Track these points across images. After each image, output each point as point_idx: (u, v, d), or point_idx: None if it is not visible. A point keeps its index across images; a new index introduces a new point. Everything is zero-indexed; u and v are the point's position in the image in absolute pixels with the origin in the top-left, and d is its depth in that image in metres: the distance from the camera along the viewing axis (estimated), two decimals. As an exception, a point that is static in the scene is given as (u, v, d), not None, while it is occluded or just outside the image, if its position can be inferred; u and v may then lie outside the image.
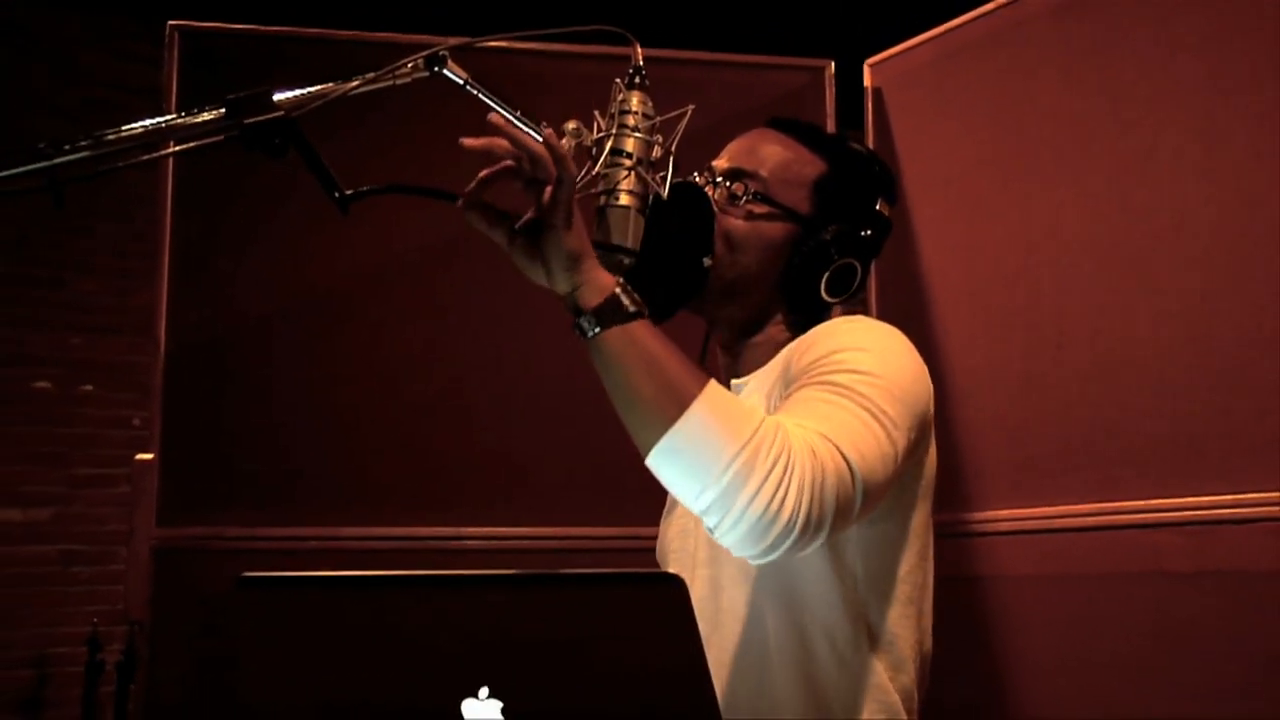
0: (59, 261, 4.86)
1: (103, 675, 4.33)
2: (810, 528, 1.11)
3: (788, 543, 1.11)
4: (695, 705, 0.90)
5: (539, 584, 0.99)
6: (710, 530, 1.15)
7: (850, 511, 1.17)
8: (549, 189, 1.17)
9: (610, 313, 1.16)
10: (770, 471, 1.10)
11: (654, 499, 1.73)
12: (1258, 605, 1.89)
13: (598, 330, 1.16)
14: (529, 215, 1.20)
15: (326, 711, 1.06)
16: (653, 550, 1.69)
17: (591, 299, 1.17)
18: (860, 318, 1.42)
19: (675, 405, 1.13)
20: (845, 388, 1.23)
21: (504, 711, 0.95)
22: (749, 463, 1.10)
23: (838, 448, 1.15)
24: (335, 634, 1.03)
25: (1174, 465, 2.01)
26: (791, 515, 1.10)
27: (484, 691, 0.95)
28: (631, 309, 1.17)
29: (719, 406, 1.14)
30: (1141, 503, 2.04)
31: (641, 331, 1.17)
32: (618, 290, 1.17)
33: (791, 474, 1.10)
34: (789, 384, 1.32)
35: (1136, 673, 2.04)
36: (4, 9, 4.77)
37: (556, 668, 0.96)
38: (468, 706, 0.96)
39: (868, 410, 1.21)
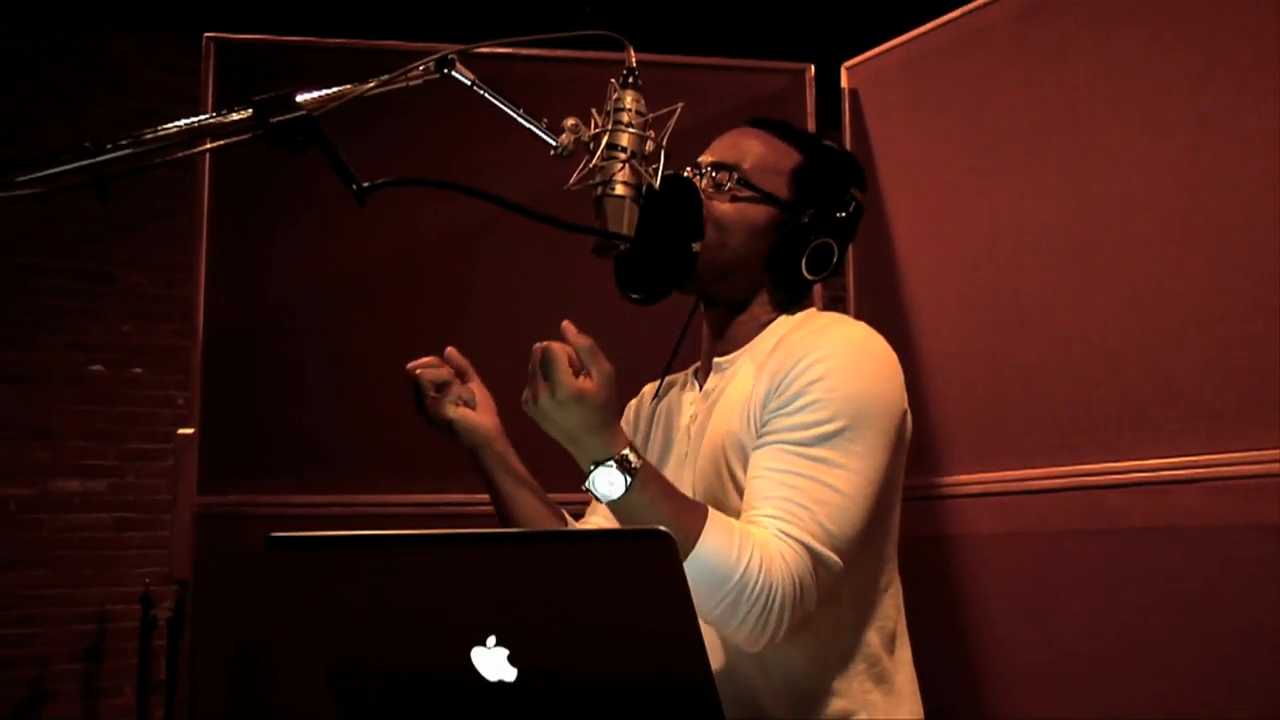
0: (112, 257, 4.89)
1: (156, 630, 4.35)
2: (795, 621, 1.22)
3: (776, 640, 1.22)
4: (684, 649, 0.90)
5: (542, 542, 0.98)
6: None
7: (830, 579, 1.25)
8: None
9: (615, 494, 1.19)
10: (752, 607, 1.19)
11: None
12: (1198, 557, 1.90)
13: (614, 499, 1.20)
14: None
15: (349, 657, 1.05)
16: None
17: (599, 481, 1.20)
18: (839, 329, 1.40)
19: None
20: (814, 449, 1.27)
21: (509, 659, 0.95)
22: (734, 603, 1.19)
23: (807, 550, 1.22)
24: (356, 588, 1.03)
25: (1123, 431, 2.01)
26: (775, 629, 1.21)
27: (491, 640, 0.95)
28: (634, 473, 1.19)
29: (712, 552, 1.18)
30: (1094, 466, 2.04)
31: (645, 493, 1.20)
32: (619, 463, 1.19)
33: (772, 605, 1.19)
34: (770, 389, 1.33)
35: (1090, 619, 2.04)
36: (63, 31, 4.80)
37: (558, 618, 0.95)
38: (477, 654, 0.96)
39: (838, 469, 1.27)
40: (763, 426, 1.32)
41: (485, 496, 1.56)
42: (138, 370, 4.91)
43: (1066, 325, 2.12)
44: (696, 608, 1.17)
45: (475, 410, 1.50)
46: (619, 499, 1.19)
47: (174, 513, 2.98)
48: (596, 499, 1.21)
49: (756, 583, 1.18)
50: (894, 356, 1.39)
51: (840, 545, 1.24)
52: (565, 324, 1.21)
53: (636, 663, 0.93)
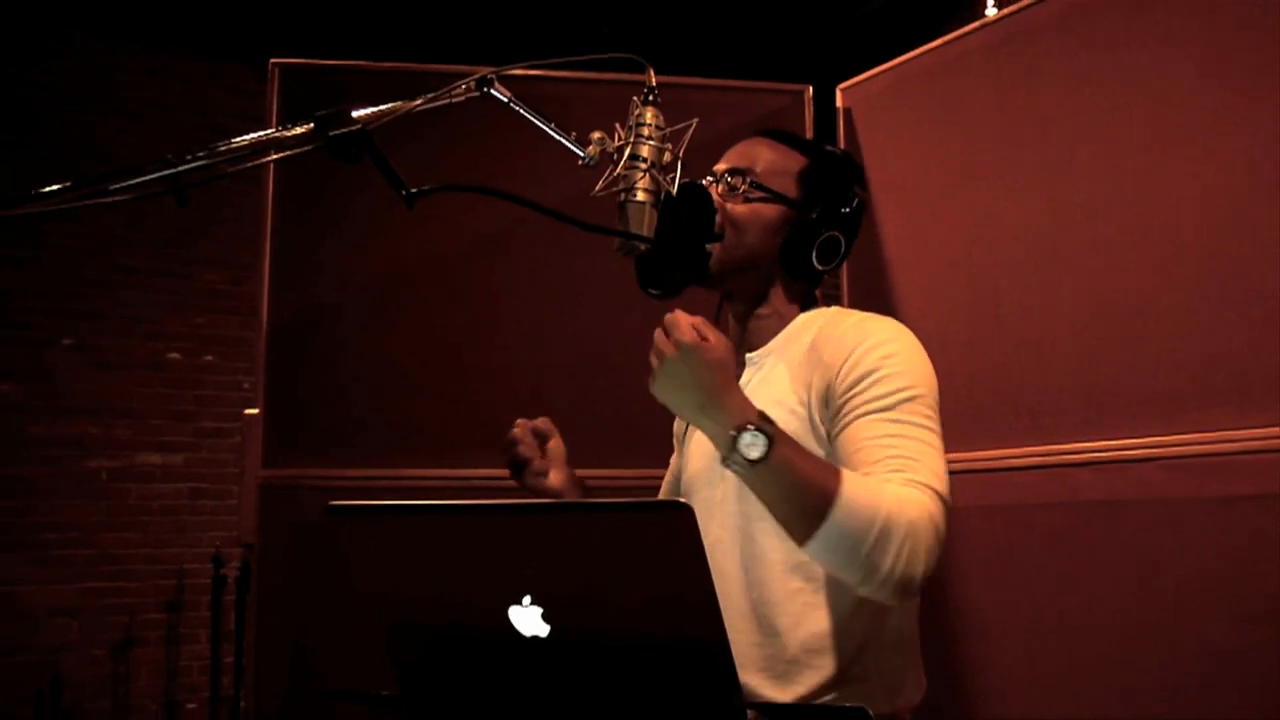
0: (188, 258, 4.92)
1: (225, 586, 4.38)
2: (933, 562, 1.13)
3: (922, 583, 1.12)
4: (700, 610, 0.88)
5: (571, 512, 0.97)
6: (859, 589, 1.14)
7: (950, 523, 1.17)
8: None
9: (758, 454, 1.10)
10: (900, 551, 1.09)
11: (664, 445, 1.70)
12: (1153, 527, 1.88)
13: (752, 467, 1.10)
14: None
15: (399, 611, 1.04)
16: (658, 488, 1.67)
17: (739, 448, 1.09)
18: (880, 320, 1.36)
19: (819, 511, 1.09)
20: (908, 420, 1.22)
21: (543, 616, 0.93)
22: (882, 550, 1.09)
23: (934, 491, 1.15)
24: (405, 551, 1.01)
25: (1087, 414, 1.99)
26: (921, 574, 1.11)
27: (526, 599, 0.93)
28: (772, 435, 1.09)
29: (854, 503, 1.09)
30: (1062, 445, 2.02)
31: (783, 456, 1.09)
32: (757, 426, 1.09)
33: (919, 545, 1.10)
34: (830, 380, 1.28)
35: (1056, 582, 2.02)
36: (150, 59, 4.82)
37: (586, 580, 0.93)
38: (513, 612, 0.94)
39: (930, 430, 1.22)
40: (837, 413, 1.27)
41: (507, 470, 1.55)
42: (209, 358, 4.94)
43: (1037, 319, 2.10)
44: (844, 564, 1.10)
45: (549, 474, 1.52)
46: (762, 458, 1.08)
47: (241, 484, 2.99)
48: (740, 465, 1.09)
49: (901, 527, 1.08)
50: None
51: (947, 489, 1.17)
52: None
53: (658, 622, 0.91)
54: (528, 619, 0.93)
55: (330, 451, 2.29)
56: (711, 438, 1.13)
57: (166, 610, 4.76)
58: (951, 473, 2.19)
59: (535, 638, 0.94)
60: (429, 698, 1.04)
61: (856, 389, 1.25)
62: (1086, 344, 2.01)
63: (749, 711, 0.91)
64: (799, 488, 1.10)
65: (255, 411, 2.34)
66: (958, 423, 2.21)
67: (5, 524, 4.45)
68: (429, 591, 1.01)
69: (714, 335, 1.13)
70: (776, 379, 1.38)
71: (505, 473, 1.55)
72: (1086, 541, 1.98)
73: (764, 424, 1.10)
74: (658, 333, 1.14)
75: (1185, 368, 1.86)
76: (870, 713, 0.88)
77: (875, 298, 2.37)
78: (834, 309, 1.46)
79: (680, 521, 0.85)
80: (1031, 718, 2.05)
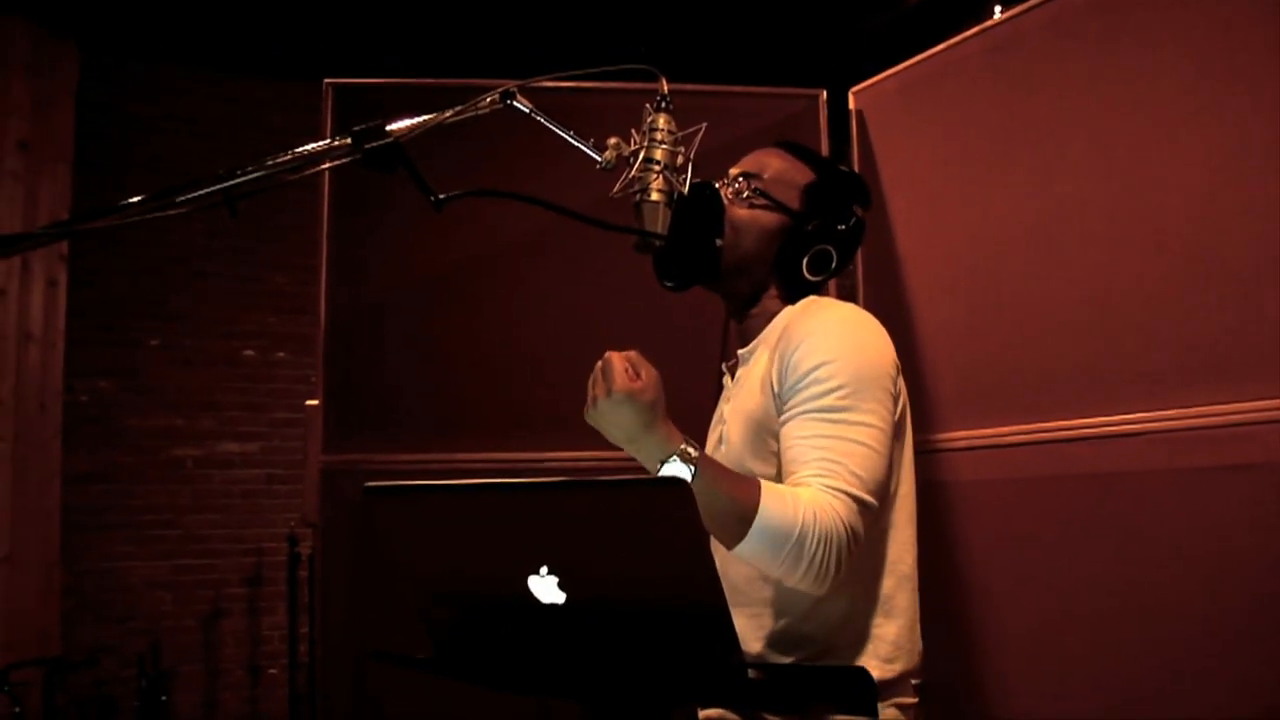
0: (261, 263, 4.96)
1: (300, 562, 4.44)
2: (852, 561, 1.18)
3: (838, 580, 1.17)
4: (701, 576, 0.88)
5: (583, 488, 0.97)
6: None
7: (871, 518, 1.21)
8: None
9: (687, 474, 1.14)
10: (814, 556, 1.14)
11: (684, 428, 1.69)
12: (1139, 495, 1.87)
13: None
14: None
15: (430, 581, 1.05)
16: None
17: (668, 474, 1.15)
18: (831, 311, 1.35)
19: (743, 523, 1.14)
20: (833, 414, 1.23)
21: (559, 585, 0.93)
22: (797, 556, 1.14)
23: (849, 497, 1.18)
24: (434, 526, 1.02)
25: (1080, 394, 1.96)
26: (835, 572, 1.16)
27: (544, 569, 0.94)
28: (695, 463, 1.14)
29: (771, 517, 1.14)
30: (1057, 423, 1.99)
31: (706, 481, 1.14)
32: (680, 456, 1.15)
33: (830, 551, 1.15)
34: (782, 371, 1.29)
35: (1050, 546, 2.01)
36: (217, 85, 4.88)
37: (598, 551, 0.93)
38: (533, 581, 0.94)
39: (862, 426, 1.22)
40: (784, 405, 1.28)
41: (550, 454, 1.55)
42: (280, 354, 4.99)
43: (1034, 306, 2.07)
44: (765, 566, 1.17)
45: None
46: (697, 473, 1.14)
47: (306, 468, 3.03)
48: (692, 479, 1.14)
49: (814, 535, 1.13)
50: (877, 325, 1.34)
51: (872, 488, 1.20)
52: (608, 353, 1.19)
53: (663, 588, 0.91)
54: (545, 587, 0.94)
55: (384, 438, 2.31)
56: (644, 465, 1.19)
57: (248, 585, 4.84)
58: (957, 449, 2.19)
59: (553, 604, 0.94)
60: (457, 659, 1.05)
61: (797, 387, 1.26)
62: (1079, 329, 1.99)
63: (750, 670, 0.90)
64: (722, 507, 1.14)
65: (316, 402, 2.36)
66: (962, 403, 2.20)
67: (106, 506, 4.55)
68: (456, 562, 1.02)
69: (646, 373, 1.16)
70: (760, 364, 1.37)
71: (543, 454, 1.55)
72: (1077, 509, 1.96)
73: (687, 454, 1.14)
74: (595, 370, 1.18)
75: (1168, 350, 1.84)
76: (870, 673, 0.87)
77: (887, 288, 2.34)
78: (811, 298, 1.43)
79: (682, 496, 0.85)
80: (1031, 674, 2.03)
